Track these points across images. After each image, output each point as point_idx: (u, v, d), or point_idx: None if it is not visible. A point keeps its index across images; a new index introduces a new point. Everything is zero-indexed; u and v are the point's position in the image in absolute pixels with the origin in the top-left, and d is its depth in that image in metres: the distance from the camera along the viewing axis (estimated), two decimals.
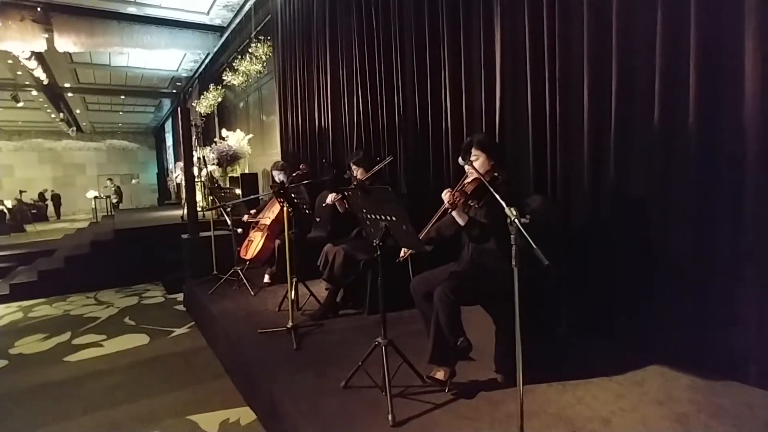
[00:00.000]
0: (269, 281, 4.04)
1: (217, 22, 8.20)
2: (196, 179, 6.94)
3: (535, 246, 1.18)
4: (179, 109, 4.90)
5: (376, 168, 3.04)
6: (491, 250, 2.11)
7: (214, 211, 4.62)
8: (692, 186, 2.07)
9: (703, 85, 2.00)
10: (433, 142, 3.69)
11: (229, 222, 4.07)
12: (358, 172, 3.21)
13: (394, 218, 1.78)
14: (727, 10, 1.93)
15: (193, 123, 9.41)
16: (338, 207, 3.27)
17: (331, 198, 3.20)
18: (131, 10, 7.56)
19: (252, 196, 4.86)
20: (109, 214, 11.91)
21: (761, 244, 1.86)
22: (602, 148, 2.45)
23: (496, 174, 1.99)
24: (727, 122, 1.96)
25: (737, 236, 1.94)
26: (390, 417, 1.74)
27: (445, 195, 1.92)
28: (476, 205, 2.07)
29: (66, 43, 7.46)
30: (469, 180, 1.99)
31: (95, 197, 12.31)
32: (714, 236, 2.02)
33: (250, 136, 7.55)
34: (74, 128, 18.02)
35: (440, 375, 1.95)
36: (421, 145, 3.82)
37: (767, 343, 1.87)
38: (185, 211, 7.73)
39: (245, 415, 2.45)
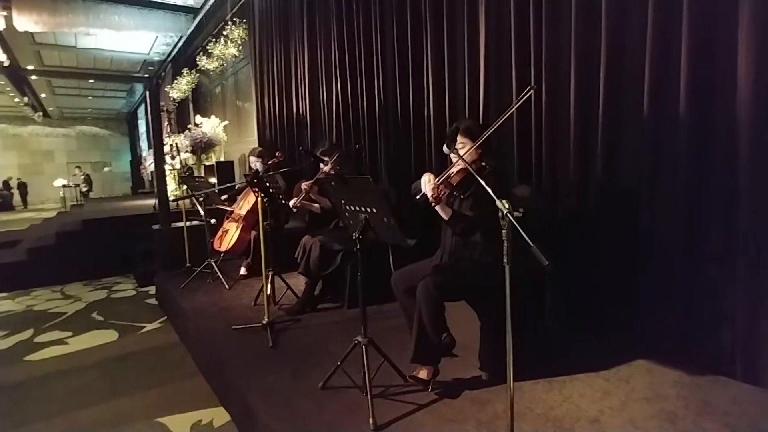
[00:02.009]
0: (245, 273, 3.89)
1: (190, 2, 7.85)
2: (170, 167, 6.67)
3: (532, 244, 1.08)
4: (148, 93, 4.63)
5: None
6: (474, 243, 2.01)
7: (187, 201, 4.42)
8: (682, 181, 2.01)
9: (694, 77, 1.93)
10: (415, 130, 3.58)
11: (202, 212, 3.89)
12: (327, 161, 3.11)
13: (374, 210, 1.66)
14: (720, 2, 1.86)
15: (164, 108, 9.05)
16: (310, 208, 3.19)
17: (293, 202, 3.08)
18: None
19: (226, 185, 4.66)
20: (79, 203, 11.43)
21: (750, 242, 1.81)
22: (589, 140, 2.37)
23: (483, 163, 1.89)
24: (719, 116, 1.90)
25: (726, 233, 1.90)
26: (371, 420, 1.64)
27: (429, 186, 1.79)
28: (461, 196, 1.97)
29: (27, 21, 7.03)
30: (455, 170, 1.87)
31: (64, 186, 11.79)
32: (703, 232, 1.97)
33: (226, 122, 7.28)
34: (41, 113, 17.22)
35: (423, 374, 1.86)
36: (402, 132, 3.70)
37: (754, 338, 1.84)
38: (157, 200, 7.47)
39: (219, 416, 2.33)
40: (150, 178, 13.55)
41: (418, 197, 1.88)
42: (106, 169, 20.11)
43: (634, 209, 2.21)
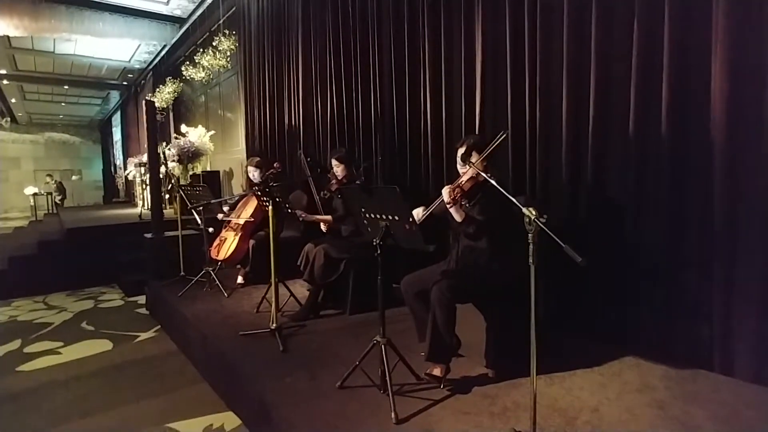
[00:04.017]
0: (242, 282, 3.93)
1: (177, 12, 7.86)
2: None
3: (564, 245, 1.24)
4: (145, 102, 4.65)
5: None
6: (482, 249, 2.17)
7: (178, 209, 4.43)
8: (664, 190, 2.23)
9: (674, 99, 2.17)
10: (411, 143, 3.73)
11: (199, 221, 3.91)
12: (339, 169, 3.20)
13: (396, 218, 1.80)
14: (696, 32, 2.10)
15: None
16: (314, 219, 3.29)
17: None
18: None
19: (236, 195, 4.70)
20: (52, 212, 11.07)
21: (725, 245, 2.04)
22: (580, 153, 2.59)
23: (489, 175, 2.05)
24: (695, 135, 2.13)
25: (704, 238, 2.12)
26: (393, 415, 1.75)
27: (445, 191, 1.97)
28: (467, 204, 2.13)
29: (6, 26, 6.89)
30: (465, 179, 2.05)
31: (35, 194, 11.39)
32: (683, 237, 2.20)
33: (212, 132, 7.30)
34: (8, 119, 16.63)
35: (437, 372, 1.98)
36: (398, 145, 3.85)
37: (729, 335, 2.06)
38: (141, 209, 7.38)
39: (229, 420, 2.38)
40: (125, 187, 13.27)
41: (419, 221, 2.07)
42: (74, 177, 19.52)
43: (620, 218, 2.42)
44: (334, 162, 3.24)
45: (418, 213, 2.07)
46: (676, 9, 2.14)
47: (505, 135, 1.95)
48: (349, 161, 3.22)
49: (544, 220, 1.28)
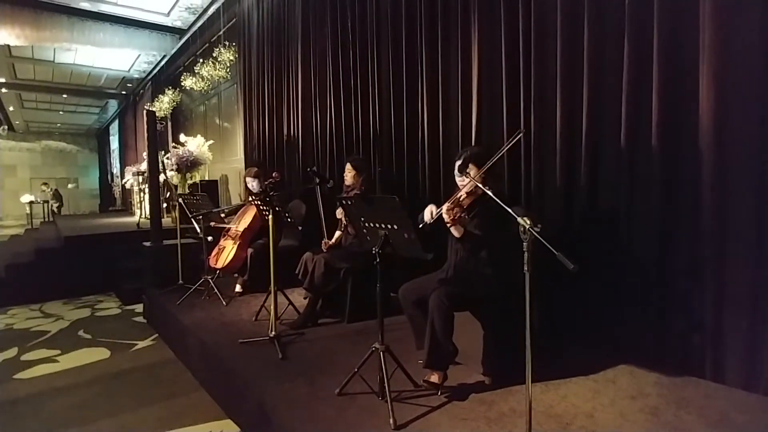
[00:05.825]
0: (240, 291, 3.95)
1: (177, 24, 7.96)
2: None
3: (557, 252, 1.29)
4: (145, 112, 4.71)
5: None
6: (479, 257, 2.22)
7: (176, 218, 4.46)
8: (655, 199, 2.29)
9: (663, 111, 2.24)
10: (408, 154, 3.79)
11: (199, 230, 3.95)
12: (350, 175, 3.22)
13: (395, 227, 1.85)
14: (685, 45, 2.19)
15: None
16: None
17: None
18: (84, 5, 7.17)
19: (235, 205, 4.75)
20: (48, 220, 11.04)
21: (715, 255, 2.09)
22: (574, 165, 2.65)
23: (488, 187, 2.10)
24: (685, 148, 2.20)
25: (694, 248, 2.17)
26: (391, 420, 1.78)
27: (444, 212, 2.01)
28: (466, 216, 2.18)
29: (8, 35, 6.95)
30: (463, 194, 2.09)
31: (31, 202, 11.37)
32: (674, 246, 2.25)
33: (211, 141, 7.35)
34: (5, 127, 16.65)
35: (435, 379, 2.02)
36: (396, 156, 3.91)
37: (720, 343, 2.11)
38: (139, 218, 7.39)
39: (227, 427, 2.40)
40: (122, 196, 13.27)
41: (421, 226, 2.10)
42: (70, 185, 19.52)
43: (613, 227, 2.48)
44: (348, 166, 3.21)
45: (431, 211, 2.08)
46: (665, 22, 2.22)
47: (521, 134, 1.94)
48: (361, 170, 3.18)
49: (538, 229, 1.33)
